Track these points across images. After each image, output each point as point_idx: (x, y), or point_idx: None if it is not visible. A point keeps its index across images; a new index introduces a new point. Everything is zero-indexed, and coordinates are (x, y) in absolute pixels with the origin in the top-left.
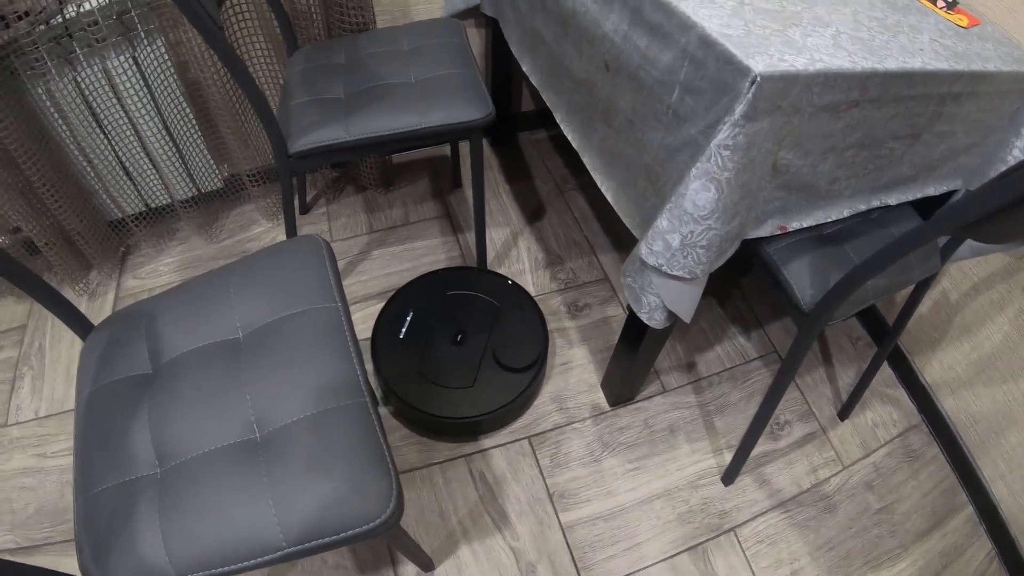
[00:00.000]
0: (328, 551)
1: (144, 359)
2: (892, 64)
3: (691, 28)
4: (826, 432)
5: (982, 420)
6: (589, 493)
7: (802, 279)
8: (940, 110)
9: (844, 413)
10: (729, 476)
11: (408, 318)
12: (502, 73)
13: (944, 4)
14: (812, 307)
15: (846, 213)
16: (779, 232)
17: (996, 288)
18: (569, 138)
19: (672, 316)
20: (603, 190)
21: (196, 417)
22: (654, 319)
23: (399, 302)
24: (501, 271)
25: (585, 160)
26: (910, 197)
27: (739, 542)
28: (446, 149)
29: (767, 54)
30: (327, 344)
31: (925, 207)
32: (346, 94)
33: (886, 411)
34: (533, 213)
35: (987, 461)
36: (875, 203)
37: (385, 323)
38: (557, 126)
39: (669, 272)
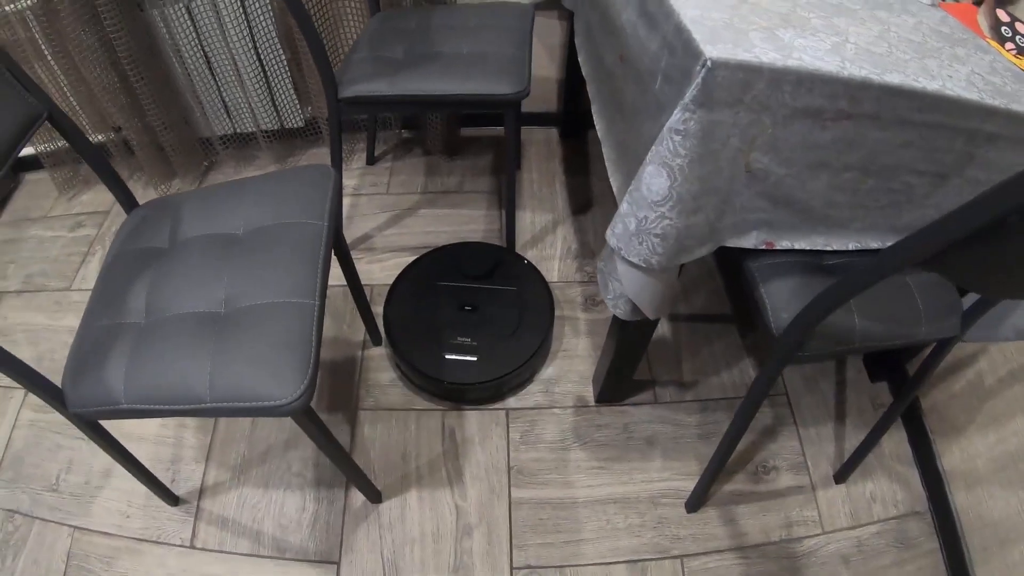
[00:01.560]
0: (241, 416)
1: (164, 237)
2: (894, 79)
3: (671, 16)
4: (815, 490)
5: (991, 524)
6: (547, 477)
7: (779, 301)
8: (971, 151)
9: (841, 476)
10: (693, 504)
11: (429, 279)
12: (578, 68)
13: (1015, 48)
14: (782, 333)
15: (851, 247)
16: (764, 247)
17: None
18: (597, 129)
19: (638, 310)
20: (611, 181)
21: (184, 286)
22: (618, 308)
23: (426, 262)
24: (531, 253)
25: (604, 151)
26: None
27: (683, 572)
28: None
29: (732, 44)
30: (303, 253)
31: None
32: (404, 56)
33: (890, 488)
34: (580, 206)
35: (985, 572)
36: (890, 242)
37: (406, 277)
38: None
39: (626, 258)
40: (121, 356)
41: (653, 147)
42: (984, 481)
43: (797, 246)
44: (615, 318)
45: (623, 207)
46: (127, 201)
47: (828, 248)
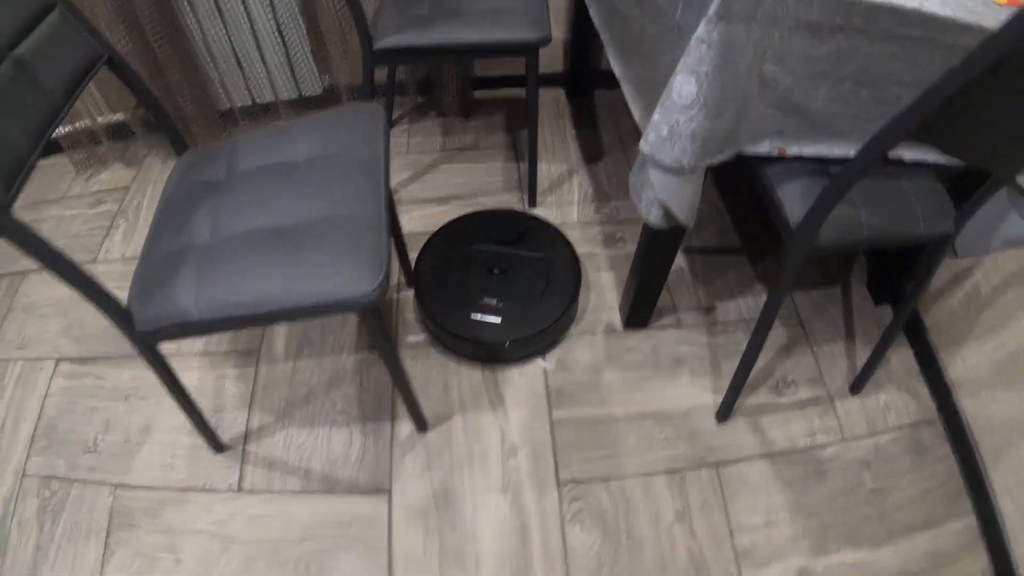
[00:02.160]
0: (321, 316)
1: (221, 171)
2: None
3: None
4: (832, 401)
5: (999, 425)
6: (584, 398)
7: (793, 199)
8: (951, 64)
9: (856, 387)
10: (723, 414)
11: (458, 244)
12: (583, 28)
13: None
14: (798, 224)
15: (852, 154)
16: (777, 154)
17: None
18: (615, 72)
19: (669, 217)
20: (633, 113)
21: (248, 208)
22: (651, 214)
23: (459, 225)
24: (550, 199)
25: (624, 90)
26: (929, 159)
27: (719, 479)
28: (522, 92)
29: None
30: (364, 173)
31: (959, 190)
32: (429, 11)
33: (902, 399)
34: (591, 157)
35: (997, 472)
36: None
37: (441, 234)
38: None
39: (659, 162)
40: (189, 274)
41: (682, 59)
42: (988, 386)
43: (805, 153)
44: (640, 240)
45: (655, 117)
46: (178, 145)
47: (832, 155)
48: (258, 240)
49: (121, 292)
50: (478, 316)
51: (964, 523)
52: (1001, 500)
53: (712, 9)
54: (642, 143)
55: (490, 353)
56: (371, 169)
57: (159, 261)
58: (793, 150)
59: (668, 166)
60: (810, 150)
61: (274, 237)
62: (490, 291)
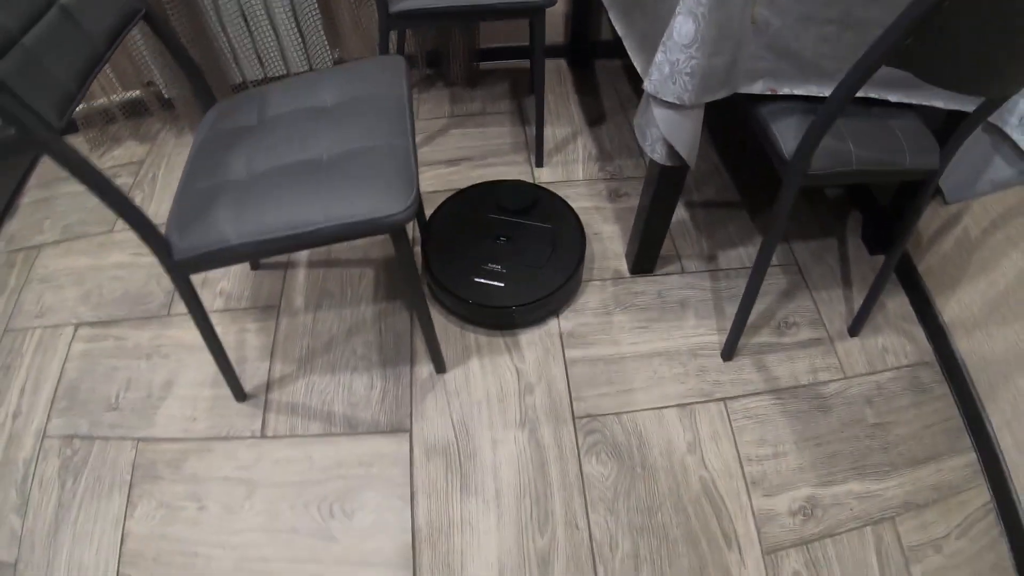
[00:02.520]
0: (356, 236)
1: (253, 116)
2: None
3: None
4: (833, 342)
5: (994, 362)
6: (595, 338)
7: (787, 134)
8: None
9: (854, 330)
10: (728, 352)
11: (471, 208)
12: (584, 2)
13: None
14: (792, 154)
15: None
16: (769, 92)
17: (1013, 223)
18: (617, 30)
19: (672, 154)
20: (636, 66)
21: (283, 146)
22: (656, 152)
23: (470, 194)
24: (557, 158)
25: (626, 45)
26: (912, 101)
27: (727, 412)
28: (526, 63)
29: None
30: (391, 112)
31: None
32: None
33: (899, 342)
34: (593, 120)
35: (995, 407)
36: (872, 94)
37: (453, 201)
38: (629, 56)
39: (662, 98)
40: (227, 205)
41: (680, 1)
42: (981, 324)
43: (796, 92)
44: (648, 178)
45: (657, 57)
46: (206, 98)
47: (821, 95)
48: (293, 172)
49: (138, 259)
50: (481, 280)
51: (965, 459)
52: (1000, 433)
53: None
54: (646, 83)
55: (493, 319)
56: (397, 107)
57: (196, 197)
58: (785, 90)
59: (670, 102)
60: (800, 90)
61: (308, 169)
62: (495, 258)
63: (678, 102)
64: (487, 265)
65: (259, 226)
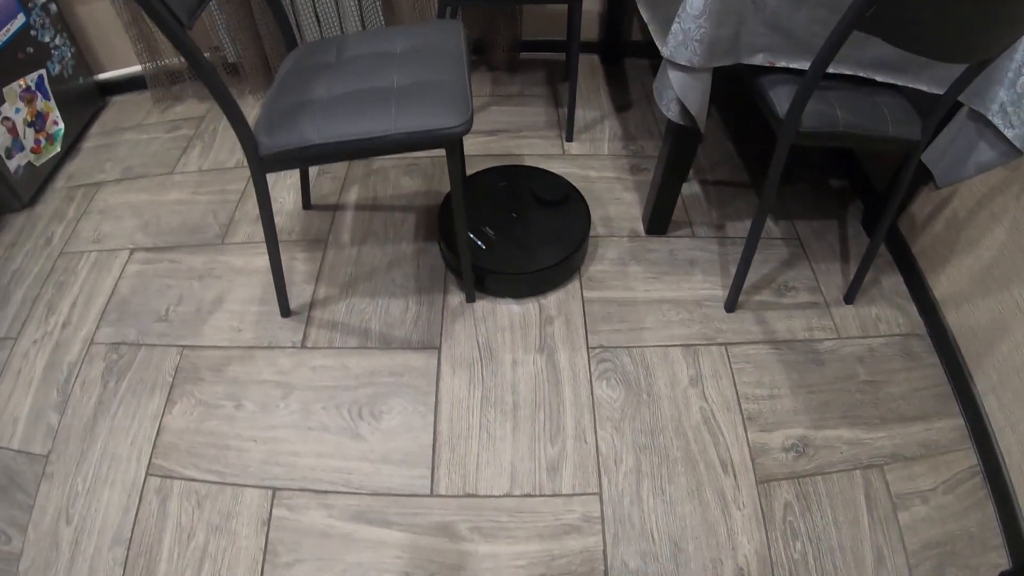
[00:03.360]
0: (421, 147)
1: (331, 57)
2: None
3: None
4: (829, 307)
5: (979, 331)
6: (611, 283)
7: (781, 96)
8: None
9: (850, 298)
10: (730, 304)
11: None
12: (617, 1)
13: None
14: (785, 113)
15: (831, 70)
16: (768, 64)
17: (996, 200)
18: (644, 17)
19: (686, 114)
20: (659, 46)
21: (359, 76)
22: (671, 110)
23: (510, 172)
24: (585, 135)
25: (651, 29)
26: (898, 83)
27: (728, 356)
28: (562, 56)
29: None
30: (450, 57)
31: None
32: None
33: (892, 314)
34: (621, 107)
35: (981, 374)
36: (860, 73)
37: (491, 172)
38: (659, 56)
39: (676, 61)
40: (310, 115)
41: None
42: (969, 297)
43: (791, 66)
44: (665, 142)
45: (674, 28)
46: (289, 41)
47: None
48: (368, 96)
49: (196, 196)
50: (471, 236)
51: (953, 423)
52: (986, 399)
53: None
54: (663, 49)
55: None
56: (456, 54)
57: (281, 109)
58: (781, 62)
59: (683, 65)
60: (795, 64)
61: (381, 93)
62: (495, 224)
63: (689, 64)
64: (484, 228)
65: (337, 130)
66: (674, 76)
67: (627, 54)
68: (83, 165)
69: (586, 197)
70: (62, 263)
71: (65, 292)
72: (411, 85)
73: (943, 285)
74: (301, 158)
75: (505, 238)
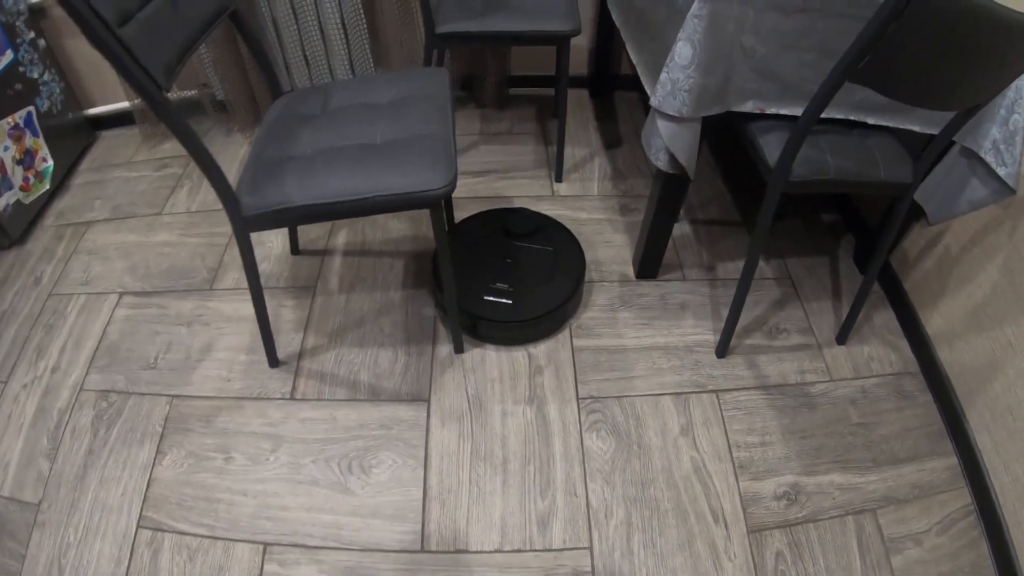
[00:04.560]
0: (403, 208)
1: (316, 107)
2: None
3: None
4: (820, 348)
5: (972, 369)
6: (601, 331)
7: (771, 145)
8: None
9: (842, 338)
10: (721, 350)
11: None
12: (605, 36)
13: None
14: (775, 163)
15: (822, 115)
16: (757, 111)
17: (988, 238)
18: (632, 59)
19: (675, 163)
20: (647, 89)
21: (342, 130)
22: (659, 160)
23: (477, 221)
24: (575, 175)
25: (639, 71)
26: (889, 124)
27: (719, 403)
28: (551, 92)
29: None
30: (435, 110)
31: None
32: (482, 6)
33: (885, 352)
34: (610, 143)
35: (974, 412)
36: (852, 116)
37: (471, 221)
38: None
39: (665, 112)
40: (293, 173)
41: (680, 30)
42: (961, 334)
43: (781, 112)
44: (654, 188)
45: (662, 77)
46: (274, 88)
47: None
48: (352, 152)
49: (184, 238)
50: (491, 298)
51: (946, 462)
52: (979, 436)
53: None
54: (651, 99)
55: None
56: (441, 107)
57: (264, 165)
58: (771, 109)
59: (671, 115)
60: (785, 110)
61: (365, 150)
62: (502, 277)
63: (678, 115)
64: (496, 284)
65: (320, 190)
66: (663, 126)
67: (617, 87)
68: (72, 202)
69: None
70: (52, 304)
71: (55, 335)
72: (395, 141)
73: (936, 322)
74: (284, 219)
75: (521, 284)
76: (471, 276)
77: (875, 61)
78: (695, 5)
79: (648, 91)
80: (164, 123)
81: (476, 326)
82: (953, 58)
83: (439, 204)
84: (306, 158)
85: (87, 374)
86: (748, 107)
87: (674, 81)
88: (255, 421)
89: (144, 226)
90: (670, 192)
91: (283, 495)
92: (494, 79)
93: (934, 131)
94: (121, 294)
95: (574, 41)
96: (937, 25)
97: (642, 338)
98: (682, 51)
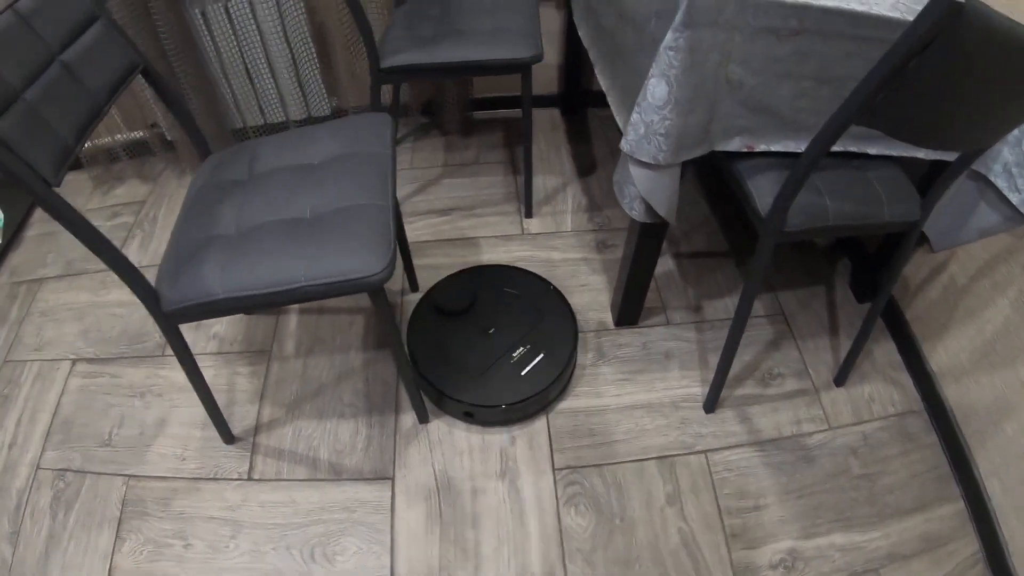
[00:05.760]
0: (335, 295)
1: (244, 171)
2: (829, 2)
3: None
4: (818, 393)
5: (981, 409)
6: (578, 390)
7: (762, 190)
8: None
9: (840, 379)
10: (710, 404)
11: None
12: (574, 52)
13: None
14: (768, 212)
15: None
16: (746, 150)
17: (999, 270)
18: (602, 85)
19: (652, 212)
20: (618, 120)
21: (269, 203)
22: (634, 209)
23: (464, 278)
24: (546, 209)
25: (609, 100)
26: (894, 153)
27: (708, 465)
28: (518, 112)
29: None
30: (374, 169)
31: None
32: (434, 33)
33: (886, 391)
34: (584, 170)
35: (983, 454)
36: (852, 148)
37: (444, 286)
38: None
39: (638, 159)
40: (214, 259)
41: (653, 64)
42: (969, 372)
43: (773, 148)
44: (630, 233)
45: (633, 118)
46: (201, 148)
47: (798, 150)
48: (278, 230)
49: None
50: (527, 369)
51: (954, 508)
52: (988, 481)
53: (678, 19)
54: (623, 142)
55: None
56: (380, 165)
57: (185, 249)
58: (761, 146)
59: (646, 162)
60: (777, 146)
61: (293, 227)
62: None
63: (653, 162)
64: (515, 355)
65: (244, 282)
66: (637, 173)
67: (589, 104)
68: (26, 258)
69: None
70: (7, 373)
71: (10, 407)
72: (327, 214)
73: (940, 356)
74: (208, 312)
75: (492, 361)
76: (460, 360)
77: (887, 101)
78: (669, 36)
79: (619, 124)
80: (62, 224)
81: (472, 414)
82: (982, 93)
83: (380, 291)
84: (229, 239)
85: (43, 451)
86: (735, 145)
87: (647, 124)
88: (213, 505)
89: (96, 283)
90: (647, 240)
91: None
92: (456, 104)
93: (942, 156)
94: (74, 360)
95: (544, 60)
96: (969, 54)
97: (623, 395)
98: (655, 90)
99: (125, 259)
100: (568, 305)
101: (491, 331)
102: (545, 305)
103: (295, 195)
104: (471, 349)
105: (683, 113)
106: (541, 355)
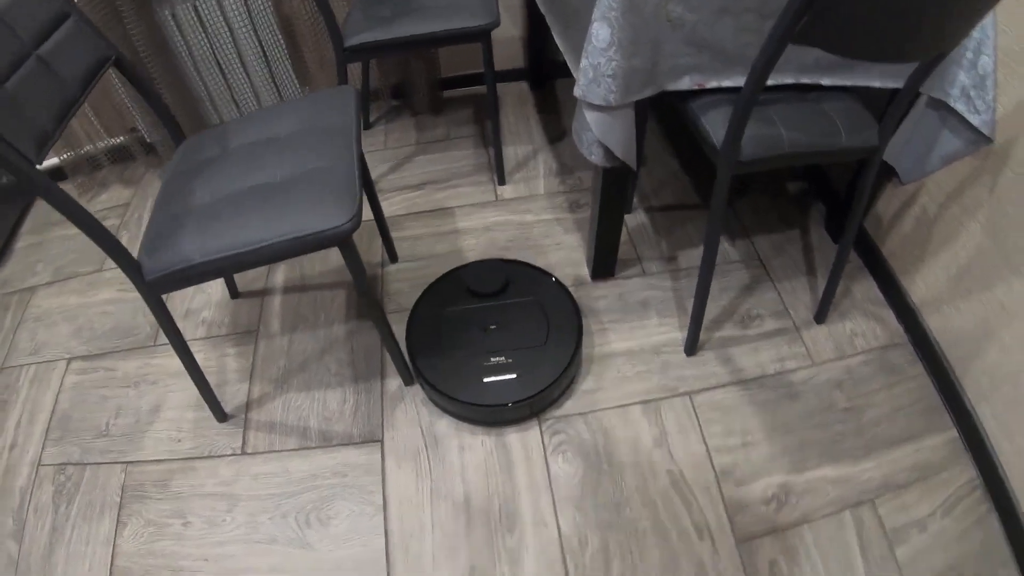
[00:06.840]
0: (307, 250)
1: (216, 150)
2: None
3: None
4: (799, 331)
5: (964, 336)
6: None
7: (716, 123)
8: None
9: (820, 316)
10: (690, 347)
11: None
12: (536, 23)
13: None
14: (722, 144)
15: (769, 82)
16: (697, 87)
17: (967, 194)
18: (559, 46)
19: (610, 155)
20: (575, 77)
21: (240, 172)
22: (593, 154)
23: (438, 289)
24: (519, 175)
25: (567, 59)
26: (848, 83)
27: (693, 406)
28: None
29: None
30: (339, 135)
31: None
32: (392, 12)
33: (869, 326)
34: (553, 138)
35: (970, 380)
36: (804, 79)
37: (424, 303)
38: None
39: (590, 102)
40: (191, 228)
41: (595, 8)
42: (949, 300)
43: (723, 85)
44: (596, 182)
45: (582, 63)
46: (176, 135)
47: None
48: (249, 196)
49: (126, 295)
50: (492, 379)
51: (943, 437)
52: (978, 406)
53: None
54: (575, 88)
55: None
56: (344, 132)
57: (163, 223)
58: (712, 83)
59: (598, 105)
60: (728, 82)
61: (263, 191)
62: (494, 350)
63: (604, 104)
64: (490, 360)
65: (219, 245)
66: (591, 117)
67: (556, 76)
68: (16, 269)
69: (524, 246)
70: (3, 379)
71: (9, 411)
72: (293, 177)
73: (920, 288)
74: (188, 278)
75: (517, 353)
76: (459, 357)
77: (818, 16)
78: None
79: (576, 80)
80: (46, 201)
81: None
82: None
83: (349, 241)
84: (204, 208)
85: (43, 449)
86: (685, 84)
87: (595, 67)
88: (209, 481)
89: (86, 286)
90: (613, 186)
91: (243, 556)
92: (425, 84)
93: (897, 85)
94: (69, 360)
95: (507, 33)
96: None
97: (603, 345)
98: (599, 32)
99: (105, 230)
100: (579, 343)
101: (492, 327)
102: (556, 322)
103: (265, 164)
104: (465, 336)
105: (627, 55)
106: (514, 375)
